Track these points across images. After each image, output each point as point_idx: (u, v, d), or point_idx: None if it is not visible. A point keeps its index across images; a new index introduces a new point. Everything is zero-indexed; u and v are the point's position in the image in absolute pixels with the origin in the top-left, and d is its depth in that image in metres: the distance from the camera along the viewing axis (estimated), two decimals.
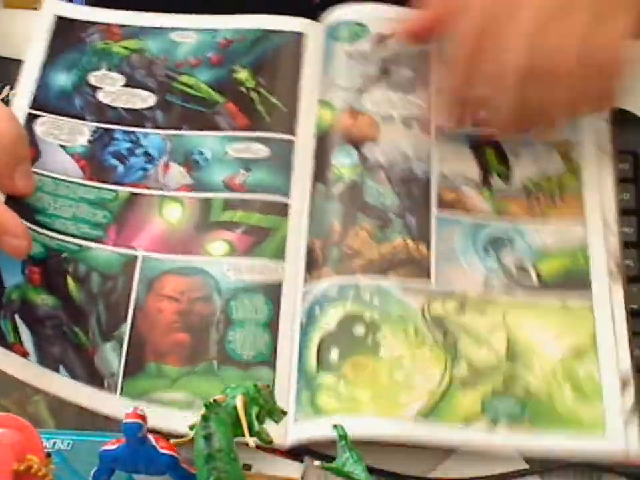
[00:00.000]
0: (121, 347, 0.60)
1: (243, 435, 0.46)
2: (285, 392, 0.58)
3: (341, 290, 0.61)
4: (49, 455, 0.48)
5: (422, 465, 0.57)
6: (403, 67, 0.70)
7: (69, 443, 0.54)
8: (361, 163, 0.66)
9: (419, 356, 0.59)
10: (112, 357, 0.60)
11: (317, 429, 0.56)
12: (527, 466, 0.57)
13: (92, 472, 0.50)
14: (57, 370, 0.59)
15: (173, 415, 0.57)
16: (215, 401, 0.47)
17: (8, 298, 0.61)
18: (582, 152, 0.67)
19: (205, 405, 0.46)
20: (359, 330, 0.60)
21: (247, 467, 0.56)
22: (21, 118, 0.68)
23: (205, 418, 0.46)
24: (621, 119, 0.68)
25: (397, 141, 0.67)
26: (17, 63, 0.72)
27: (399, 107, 0.69)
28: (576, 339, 0.60)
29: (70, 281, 0.62)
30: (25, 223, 0.62)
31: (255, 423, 0.47)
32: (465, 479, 0.57)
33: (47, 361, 0.59)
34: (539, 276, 0.62)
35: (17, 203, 0.63)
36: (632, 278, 0.63)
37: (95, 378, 0.59)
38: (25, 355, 0.58)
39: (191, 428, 0.47)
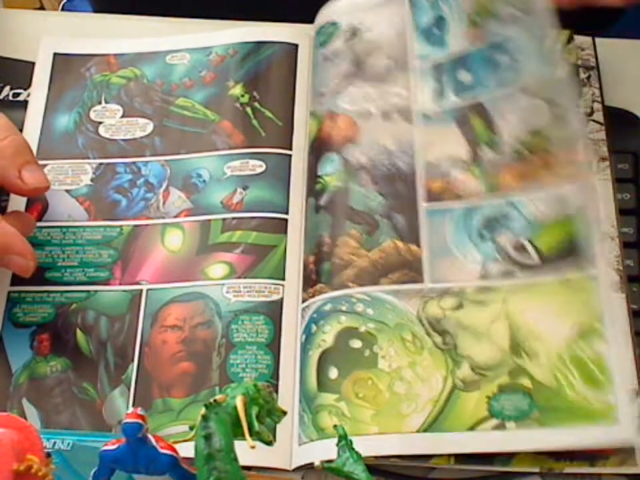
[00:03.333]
0: (129, 389, 0.60)
1: (243, 435, 0.46)
2: (289, 414, 0.57)
3: (335, 304, 0.61)
4: (49, 454, 0.48)
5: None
6: (379, 56, 0.69)
7: (68, 443, 0.54)
8: (343, 168, 0.65)
9: (419, 363, 0.58)
10: (120, 403, 0.60)
11: (321, 451, 0.56)
12: None
13: (92, 472, 0.50)
14: None
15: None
16: (215, 401, 0.47)
17: (16, 383, 0.61)
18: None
19: (205, 405, 0.46)
20: (356, 343, 0.59)
21: (247, 467, 0.56)
22: None
23: (204, 418, 0.46)
24: (621, 119, 0.68)
25: (377, 137, 0.66)
26: (17, 63, 0.73)
27: (376, 100, 0.67)
28: (580, 315, 0.57)
29: (79, 333, 0.62)
30: (36, 288, 0.63)
31: (255, 423, 0.47)
32: (465, 478, 0.57)
33: None
34: (537, 251, 0.60)
35: None
36: (632, 278, 0.62)
37: (102, 432, 0.58)
38: None
39: (191, 428, 0.47)
